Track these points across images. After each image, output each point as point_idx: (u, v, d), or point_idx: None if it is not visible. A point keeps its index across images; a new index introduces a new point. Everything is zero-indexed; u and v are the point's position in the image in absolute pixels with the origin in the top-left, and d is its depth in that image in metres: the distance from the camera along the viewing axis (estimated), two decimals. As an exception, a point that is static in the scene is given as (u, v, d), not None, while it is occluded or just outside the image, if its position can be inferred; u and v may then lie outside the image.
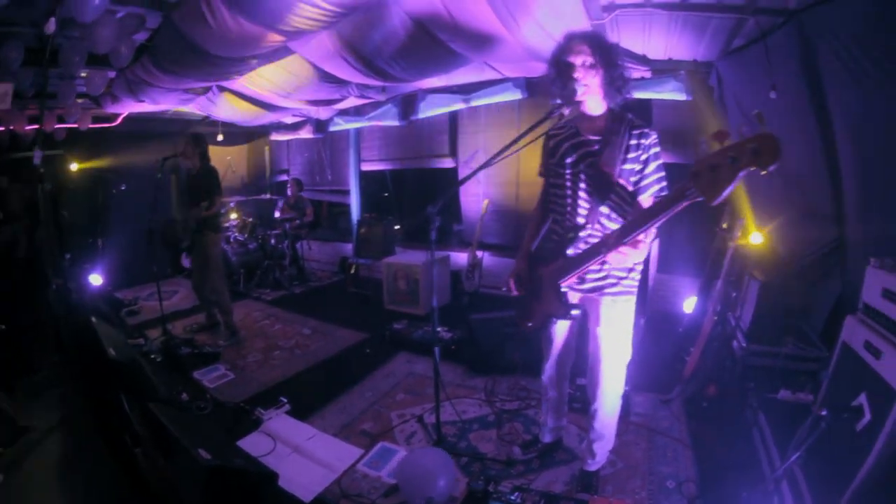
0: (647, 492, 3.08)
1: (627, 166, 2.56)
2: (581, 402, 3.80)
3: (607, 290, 2.74)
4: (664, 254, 5.84)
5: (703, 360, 4.17)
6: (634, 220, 2.30)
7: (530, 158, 5.44)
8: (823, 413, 2.23)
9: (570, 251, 2.67)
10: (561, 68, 2.58)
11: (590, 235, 2.66)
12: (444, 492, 2.89)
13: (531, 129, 2.72)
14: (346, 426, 3.94)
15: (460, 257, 7.57)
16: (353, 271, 8.30)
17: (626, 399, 3.87)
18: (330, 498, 3.11)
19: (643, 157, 2.55)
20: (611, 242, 2.31)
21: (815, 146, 3.54)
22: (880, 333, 2.32)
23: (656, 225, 2.20)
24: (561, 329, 3.05)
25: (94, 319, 4.49)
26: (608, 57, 2.53)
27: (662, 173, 2.57)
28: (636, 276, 2.76)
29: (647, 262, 3.03)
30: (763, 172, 1.73)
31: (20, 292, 6.03)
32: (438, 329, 5.26)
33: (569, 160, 2.70)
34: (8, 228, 6.99)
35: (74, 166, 8.46)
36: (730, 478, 3.06)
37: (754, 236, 4.07)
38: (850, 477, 2.10)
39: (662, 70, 5.21)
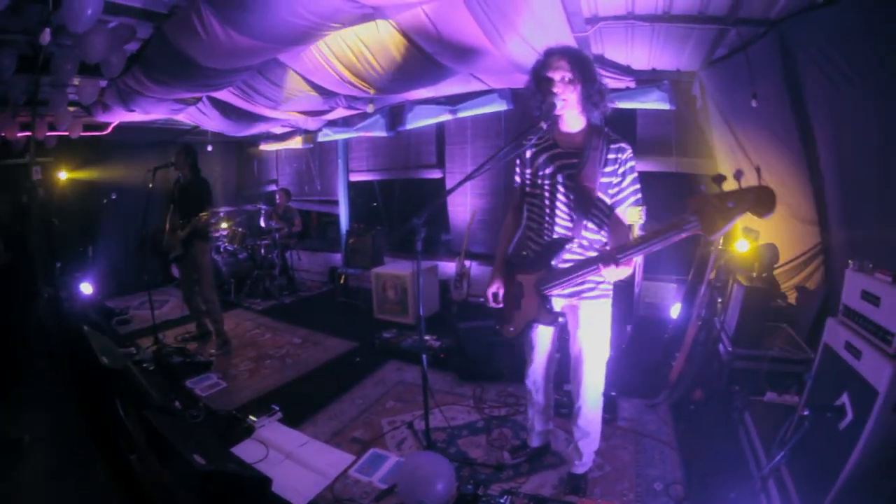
0: (634, 494, 3.12)
1: (605, 179, 2.65)
2: (568, 407, 3.79)
3: (585, 295, 2.82)
4: (650, 260, 5.90)
5: (688, 365, 4.22)
6: (635, 241, 2.36)
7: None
8: (806, 413, 2.28)
9: (554, 262, 2.74)
10: (540, 83, 2.65)
11: (575, 246, 2.74)
12: (441, 496, 2.90)
13: (513, 141, 2.78)
14: (337, 433, 3.96)
15: (449, 267, 7.59)
16: (342, 281, 8.29)
17: (614, 404, 3.94)
18: (323, 503, 3.13)
19: (620, 171, 2.64)
20: (607, 258, 2.38)
21: (797, 153, 3.61)
22: (860, 334, 2.37)
23: (654, 249, 2.27)
24: (543, 335, 3.10)
25: (85, 328, 4.49)
26: (587, 72, 2.61)
27: (638, 185, 2.67)
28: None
29: (633, 269, 3.10)
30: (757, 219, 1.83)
31: (3, 300, 5.99)
32: (427, 338, 5.33)
33: (547, 172, 2.77)
34: None
35: (65, 175, 8.44)
36: (717, 478, 3.10)
37: (739, 243, 4.14)
38: (835, 475, 2.15)
39: (646, 80, 5.29)
